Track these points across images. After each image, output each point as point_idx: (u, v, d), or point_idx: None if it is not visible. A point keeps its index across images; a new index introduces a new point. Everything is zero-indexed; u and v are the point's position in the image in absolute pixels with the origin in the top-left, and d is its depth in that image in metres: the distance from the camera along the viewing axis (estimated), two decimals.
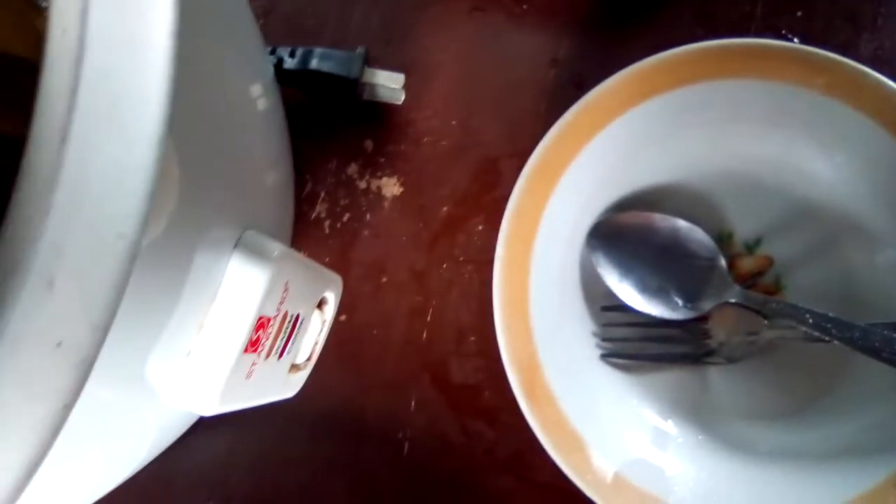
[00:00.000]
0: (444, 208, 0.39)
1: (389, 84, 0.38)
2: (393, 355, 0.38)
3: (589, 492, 0.32)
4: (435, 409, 0.38)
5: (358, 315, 0.38)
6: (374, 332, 0.38)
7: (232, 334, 0.21)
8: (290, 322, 0.25)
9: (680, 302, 0.35)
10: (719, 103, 0.34)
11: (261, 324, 0.22)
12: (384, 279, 0.39)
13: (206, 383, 0.21)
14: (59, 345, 0.12)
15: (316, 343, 0.30)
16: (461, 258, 0.38)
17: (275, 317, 0.23)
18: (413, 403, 0.38)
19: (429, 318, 0.38)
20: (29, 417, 0.12)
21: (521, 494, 0.37)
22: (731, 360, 0.35)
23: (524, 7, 0.40)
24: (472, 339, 0.38)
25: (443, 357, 0.38)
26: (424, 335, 0.38)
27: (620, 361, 0.36)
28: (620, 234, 0.36)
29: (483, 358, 0.38)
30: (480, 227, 0.39)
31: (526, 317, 0.34)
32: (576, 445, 0.33)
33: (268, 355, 0.24)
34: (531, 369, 0.33)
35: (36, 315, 0.12)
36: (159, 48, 0.12)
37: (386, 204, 0.39)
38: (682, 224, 0.35)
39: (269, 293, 0.22)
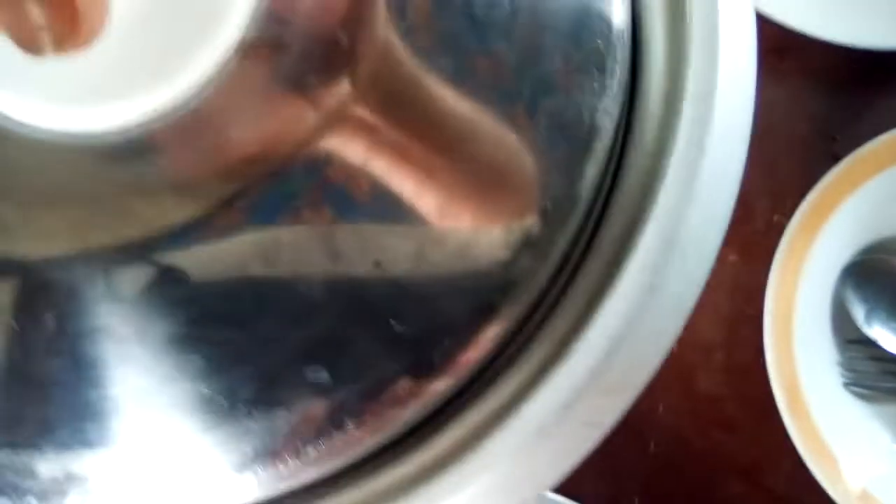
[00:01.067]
0: None
1: None
2: None
3: (840, 500, 0.37)
4: (680, 415, 0.42)
5: None
6: None
7: None
8: None
9: None
10: None
11: None
12: None
13: None
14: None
15: None
16: (712, 283, 0.43)
17: None
18: (661, 407, 0.43)
19: (681, 334, 0.43)
20: None
21: (755, 501, 0.41)
22: None
23: (784, 63, 0.45)
24: (719, 356, 0.43)
25: (691, 369, 0.43)
26: (675, 348, 0.43)
27: (864, 391, 0.40)
28: (872, 275, 0.40)
29: (728, 374, 0.42)
30: (732, 258, 0.43)
31: (790, 341, 0.38)
32: (827, 459, 0.37)
33: None
34: (792, 388, 0.38)
35: None
36: None
37: None
38: None
39: None
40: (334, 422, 0.14)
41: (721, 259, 0.44)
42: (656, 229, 0.15)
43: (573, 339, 0.15)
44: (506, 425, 0.14)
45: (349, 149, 0.14)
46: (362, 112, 0.14)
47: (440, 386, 0.14)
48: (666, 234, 0.15)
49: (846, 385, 0.40)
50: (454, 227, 0.15)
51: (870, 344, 0.40)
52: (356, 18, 0.14)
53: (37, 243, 0.14)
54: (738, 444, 0.42)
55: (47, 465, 0.14)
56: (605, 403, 0.16)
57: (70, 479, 0.14)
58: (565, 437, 0.15)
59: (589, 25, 0.16)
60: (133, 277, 0.14)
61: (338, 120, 0.14)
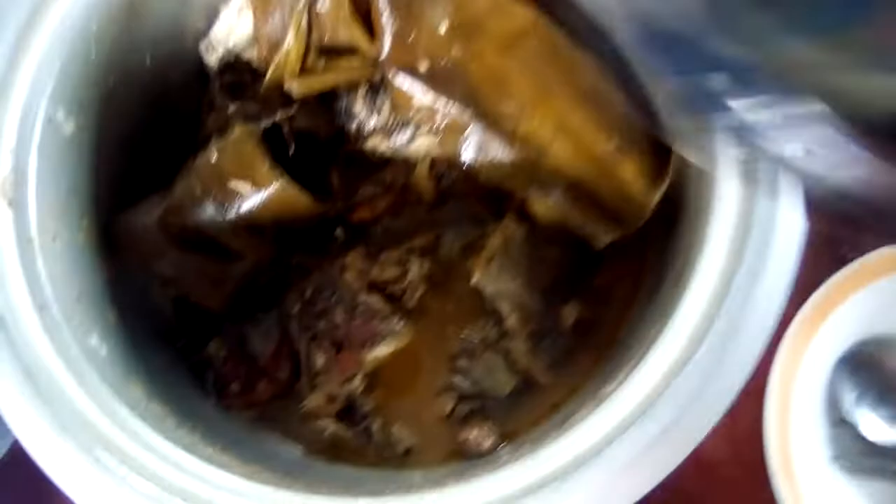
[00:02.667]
0: None
1: None
2: None
3: None
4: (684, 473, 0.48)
5: None
6: None
7: None
8: None
9: None
10: None
11: None
12: None
13: None
14: None
15: None
16: None
17: None
18: None
19: None
20: None
21: None
22: None
23: None
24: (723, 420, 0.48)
25: None
26: None
27: (849, 467, 0.45)
28: (864, 366, 0.46)
29: (730, 438, 0.48)
30: None
31: (787, 416, 0.44)
32: None
33: None
34: (786, 456, 0.43)
35: None
36: None
37: None
38: None
39: None
40: None
41: None
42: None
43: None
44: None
45: None
46: None
47: None
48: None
49: (833, 459, 0.46)
50: None
51: (857, 426, 0.45)
52: None
53: None
54: (733, 501, 0.47)
55: None
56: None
57: None
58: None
59: None
60: None
61: None
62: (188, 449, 0.27)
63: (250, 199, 0.34)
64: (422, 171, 0.39)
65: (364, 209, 0.39)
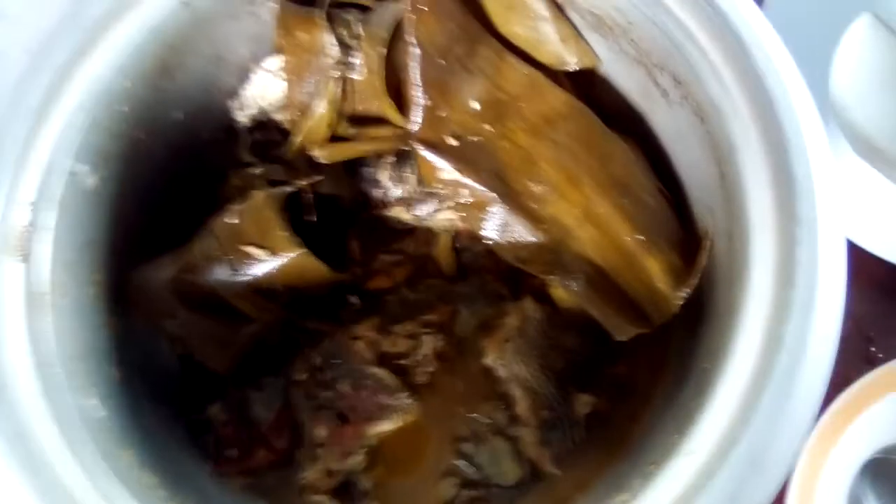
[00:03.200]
0: None
1: None
2: None
3: None
4: None
5: None
6: None
7: None
8: None
9: None
10: None
11: None
12: None
13: None
14: None
15: None
16: None
17: None
18: None
19: None
20: None
21: None
22: None
23: None
24: None
25: None
26: None
27: None
28: (888, 473, 0.44)
29: None
30: None
31: None
32: None
33: None
34: None
35: None
36: None
37: None
38: None
39: None
40: None
41: None
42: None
43: None
44: None
45: None
46: None
47: None
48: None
49: None
50: None
51: None
52: None
53: None
54: None
55: None
56: None
57: None
58: None
59: None
60: None
61: None
62: None
63: (266, 265, 0.33)
64: (444, 243, 0.38)
65: (382, 278, 0.38)
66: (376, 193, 0.38)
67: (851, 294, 0.50)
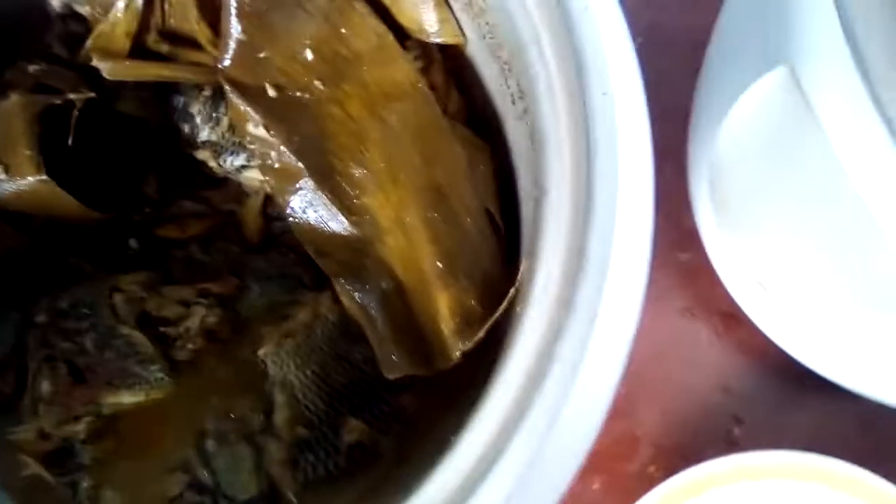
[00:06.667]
0: None
1: None
2: None
3: None
4: None
5: None
6: None
7: None
8: None
9: None
10: None
11: None
12: None
13: None
14: None
15: None
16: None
17: None
18: None
19: None
20: None
21: None
22: None
23: (730, 330, 0.44)
24: None
25: None
26: None
27: None
28: None
29: None
30: (595, 486, 0.43)
31: None
32: None
33: None
34: None
35: None
36: None
37: None
38: None
39: None
40: None
41: (585, 482, 0.43)
42: None
43: None
44: None
45: None
46: None
47: None
48: None
49: None
50: None
51: None
52: None
53: None
54: None
55: None
56: None
57: None
58: None
59: None
60: None
61: None
62: None
63: (2, 185, 0.28)
64: (253, 205, 0.32)
65: (173, 227, 0.33)
66: (186, 129, 0.32)
67: (731, 366, 0.45)
